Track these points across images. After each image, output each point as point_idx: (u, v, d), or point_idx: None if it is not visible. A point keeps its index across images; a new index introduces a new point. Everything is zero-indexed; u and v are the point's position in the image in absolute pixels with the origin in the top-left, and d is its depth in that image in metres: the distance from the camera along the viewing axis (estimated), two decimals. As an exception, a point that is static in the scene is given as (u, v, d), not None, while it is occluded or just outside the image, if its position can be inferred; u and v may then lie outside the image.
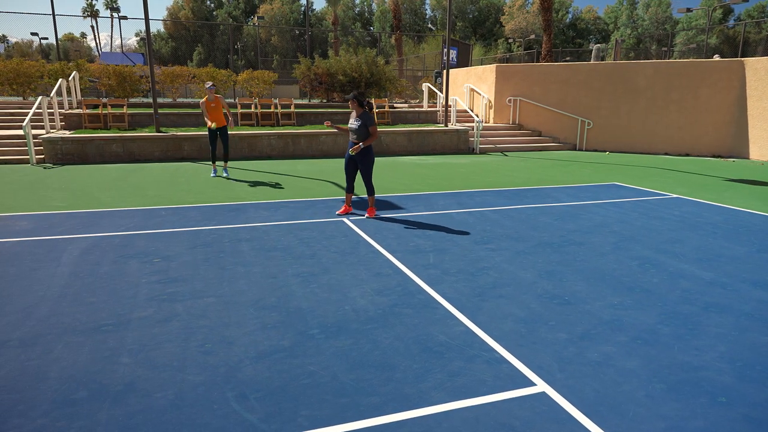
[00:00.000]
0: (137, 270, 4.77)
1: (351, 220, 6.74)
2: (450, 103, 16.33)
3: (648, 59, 32.18)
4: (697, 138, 15.17)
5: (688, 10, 32.73)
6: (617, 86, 15.72)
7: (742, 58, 14.57)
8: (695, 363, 3.21)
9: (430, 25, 64.66)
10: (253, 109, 15.63)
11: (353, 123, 6.62)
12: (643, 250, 5.57)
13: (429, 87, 19.12)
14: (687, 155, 15.23)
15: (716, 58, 18.15)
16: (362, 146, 6.51)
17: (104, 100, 15.77)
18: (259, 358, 3.20)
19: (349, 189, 6.97)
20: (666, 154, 15.47)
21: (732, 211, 7.60)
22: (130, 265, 4.89)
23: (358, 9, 69.27)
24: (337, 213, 7.05)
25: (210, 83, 9.62)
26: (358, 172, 6.84)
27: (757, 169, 12.23)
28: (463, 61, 23.80)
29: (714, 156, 14.98)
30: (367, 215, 6.95)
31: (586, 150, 16.09)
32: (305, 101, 22.69)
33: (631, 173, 11.36)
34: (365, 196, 8.23)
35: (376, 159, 13.42)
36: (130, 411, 2.66)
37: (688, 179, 10.59)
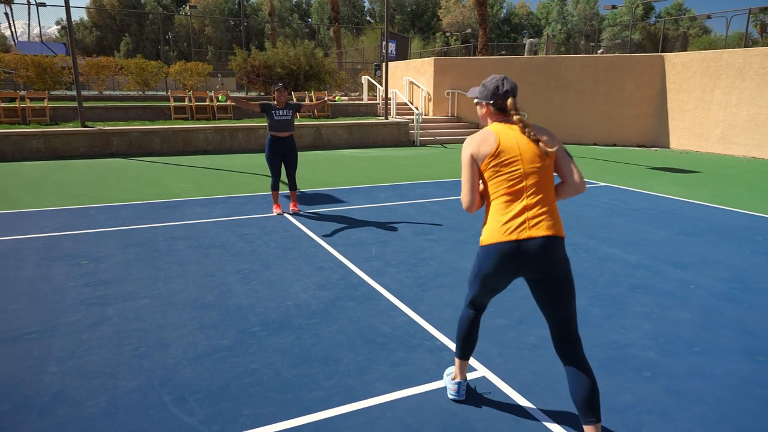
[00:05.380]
0: (63, 273, 4.50)
1: (292, 215, 6.65)
2: (390, 96, 16.40)
3: (577, 54, 33.62)
4: (623, 129, 16.02)
5: (613, 7, 34.38)
6: (549, 80, 16.32)
7: (662, 54, 15.49)
8: (622, 341, 3.40)
9: (368, 18, 64.60)
10: (187, 103, 15.07)
11: (283, 114, 6.38)
12: (574, 236, 5.83)
13: (368, 80, 19.12)
14: (614, 145, 16.05)
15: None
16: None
17: (22, 92, 14.73)
18: (197, 359, 3.11)
19: (278, 185, 6.69)
20: (595, 144, 16.24)
21: (655, 197, 8.09)
22: (55, 269, 4.61)
23: (295, 0, 68.12)
24: (276, 213, 6.70)
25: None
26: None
27: (677, 158, 13.08)
28: (402, 54, 23.93)
29: (638, 146, 15.88)
30: (292, 209, 6.79)
31: (521, 141, 16.61)
32: (243, 94, 22.12)
33: (564, 163, 11.84)
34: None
35: (317, 152, 13.30)
36: (58, 422, 2.51)
37: (615, 168, 11.18)
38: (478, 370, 3.01)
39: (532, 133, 2.24)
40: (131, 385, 2.83)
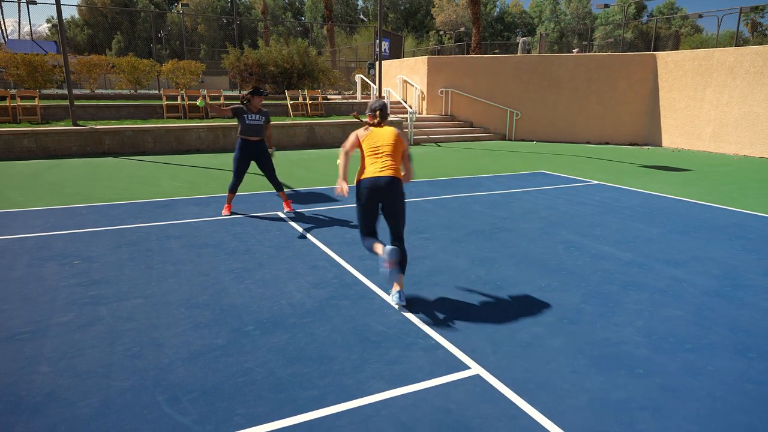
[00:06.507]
0: (55, 273, 4.47)
1: (286, 214, 6.64)
2: (383, 94, 16.38)
3: (570, 52, 33.81)
4: (616, 127, 16.09)
5: (606, 6, 34.48)
6: (542, 78, 16.36)
7: (655, 52, 15.56)
8: (615, 338, 3.42)
9: (362, 16, 64.51)
10: (179, 101, 14.99)
11: (255, 119, 6.27)
12: (568, 234, 5.85)
13: (362, 78, 19.09)
14: (607, 144, 16.12)
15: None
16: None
17: (12, 91, 14.61)
18: (191, 359, 3.10)
19: (236, 188, 6.49)
20: (588, 142, 16.30)
21: (647, 195, 8.14)
22: (47, 268, 4.58)
23: (288, -2, 67.80)
24: (225, 215, 6.48)
25: None
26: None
27: (669, 156, 13.15)
28: (396, 53, 23.93)
29: (631, 144, 15.95)
30: (286, 210, 6.71)
31: (515, 140, 16.66)
32: (236, 92, 22.04)
33: (557, 161, 11.89)
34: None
35: (311, 151, 13.26)
36: (50, 422, 2.50)
37: (608, 166, 11.22)
38: (472, 368, 3.02)
39: (389, 128, 4.00)
40: (124, 385, 2.82)
